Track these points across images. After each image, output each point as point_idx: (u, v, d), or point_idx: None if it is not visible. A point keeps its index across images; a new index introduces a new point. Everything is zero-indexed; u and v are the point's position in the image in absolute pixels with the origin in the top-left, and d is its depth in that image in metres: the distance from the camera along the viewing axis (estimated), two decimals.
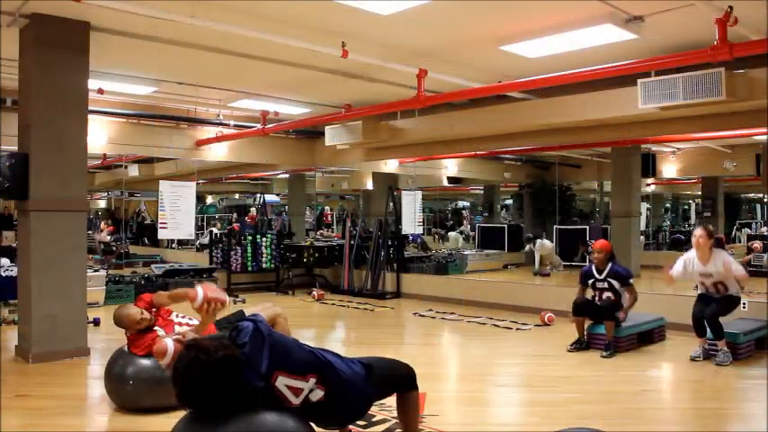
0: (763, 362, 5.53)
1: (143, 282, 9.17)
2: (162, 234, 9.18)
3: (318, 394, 2.64)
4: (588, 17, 5.19)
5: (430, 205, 17.59)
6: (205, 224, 15.81)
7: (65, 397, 4.57)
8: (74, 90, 5.68)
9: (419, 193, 11.04)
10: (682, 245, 15.25)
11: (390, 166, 11.98)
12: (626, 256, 11.40)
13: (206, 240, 13.06)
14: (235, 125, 9.60)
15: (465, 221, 18.25)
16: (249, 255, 10.42)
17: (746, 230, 15.15)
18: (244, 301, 9.12)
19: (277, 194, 16.85)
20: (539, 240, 12.63)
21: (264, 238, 10.63)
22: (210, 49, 6.10)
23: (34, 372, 5.22)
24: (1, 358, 5.63)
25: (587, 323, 6.05)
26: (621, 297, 5.96)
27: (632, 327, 6.10)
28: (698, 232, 5.59)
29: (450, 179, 14.47)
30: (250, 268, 10.45)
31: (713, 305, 5.51)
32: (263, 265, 10.55)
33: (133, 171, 12.26)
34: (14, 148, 5.82)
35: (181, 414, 2.52)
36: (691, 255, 5.66)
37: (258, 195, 14.50)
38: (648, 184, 14.36)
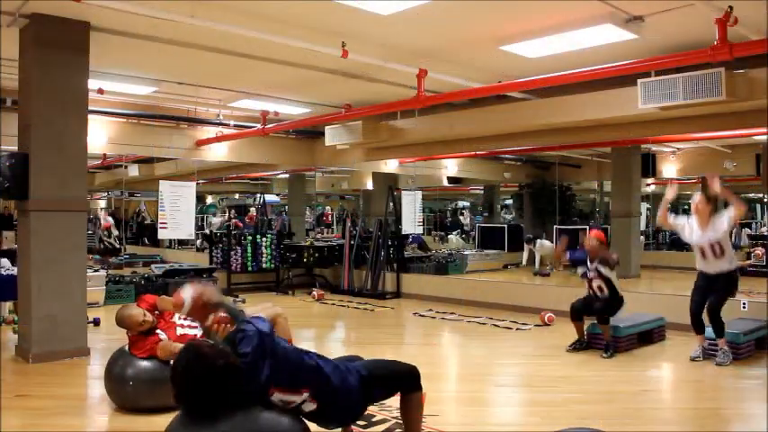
0: (763, 362, 5.53)
1: (143, 282, 9.17)
2: (162, 234, 9.17)
3: (311, 407, 2.68)
4: (588, 17, 5.19)
5: (430, 205, 17.57)
6: (205, 222, 15.80)
7: (65, 397, 4.57)
8: (74, 90, 5.68)
9: (419, 193, 11.04)
10: (682, 245, 15.24)
11: (390, 166, 11.98)
12: (626, 256, 11.40)
13: (209, 230, 13.23)
14: (235, 125, 9.60)
15: (464, 220, 18.21)
16: (249, 255, 10.42)
17: (746, 230, 15.14)
18: (244, 301, 9.11)
19: (277, 194, 16.84)
20: (538, 241, 12.63)
21: (264, 238, 10.63)
22: (210, 49, 6.10)
23: (34, 372, 5.22)
24: (1, 358, 5.63)
25: (587, 323, 6.05)
26: (613, 283, 5.90)
27: (632, 327, 6.10)
28: (697, 197, 5.53)
29: (450, 179, 14.47)
30: (250, 268, 10.45)
31: (711, 298, 5.45)
32: (263, 265, 10.56)
33: (133, 171, 12.25)
34: (14, 148, 5.82)
35: None
36: (692, 221, 5.60)
37: (258, 195, 14.49)
38: (648, 184, 14.35)
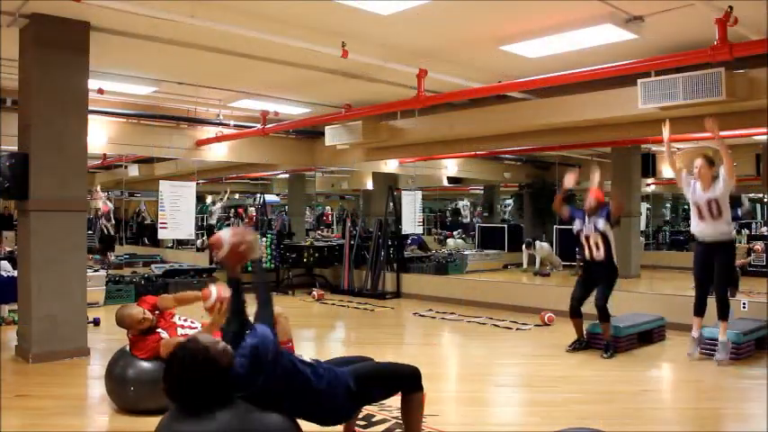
0: (763, 362, 5.53)
1: (143, 282, 9.17)
2: (162, 234, 9.19)
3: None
4: (588, 17, 5.19)
5: (430, 205, 17.57)
6: (205, 222, 15.80)
7: (65, 397, 4.57)
8: (74, 90, 5.68)
9: (419, 193, 11.05)
10: (682, 245, 15.27)
11: (390, 166, 11.97)
12: (626, 256, 11.40)
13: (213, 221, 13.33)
14: (235, 125, 9.60)
15: (464, 212, 18.14)
16: None
17: (746, 231, 15.13)
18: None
19: (277, 194, 16.84)
20: (537, 242, 12.63)
21: (264, 238, 10.62)
22: (210, 49, 6.10)
23: (34, 372, 5.22)
24: (1, 358, 5.62)
25: (587, 324, 6.05)
26: (610, 242, 5.85)
27: (632, 327, 6.10)
28: (698, 162, 5.52)
29: (450, 179, 14.46)
30: (250, 268, 10.42)
31: (717, 268, 5.42)
32: (263, 265, 10.54)
33: (133, 171, 12.25)
34: (14, 148, 5.82)
35: None
36: (695, 182, 5.59)
37: (258, 195, 14.48)
38: (648, 184, 14.34)
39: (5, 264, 7.47)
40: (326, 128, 9.30)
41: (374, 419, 3.92)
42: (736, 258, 5.63)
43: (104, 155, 10.97)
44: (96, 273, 8.58)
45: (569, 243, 12.58)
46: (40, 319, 5.44)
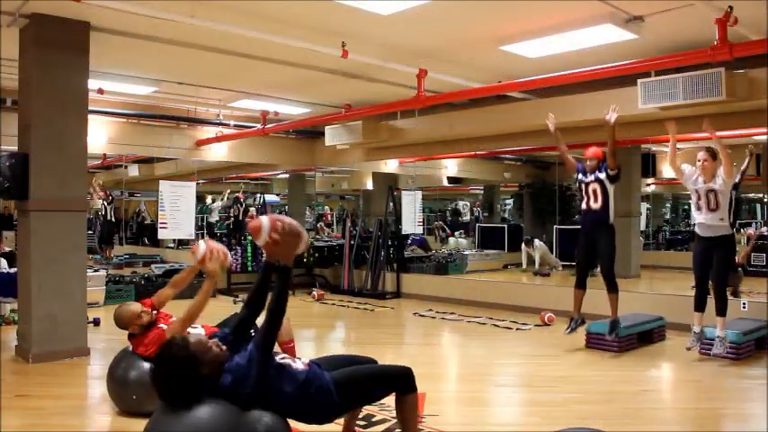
0: (763, 362, 5.53)
1: (143, 282, 9.17)
2: (162, 234, 9.19)
3: None
4: (588, 17, 5.19)
5: (430, 205, 17.56)
6: (205, 222, 15.79)
7: (65, 397, 4.57)
8: (74, 90, 5.68)
9: (419, 193, 11.04)
10: (681, 244, 15.25)
11: (390, 166, 11.98)
12: (626, 256, 11.40)
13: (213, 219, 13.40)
14: (235, 125, 9.61)
15: (464, 211, 18.12)
16: (249, 255, 10.42)
17: (745, 230, 15.12)
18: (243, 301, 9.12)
19: (277, 194, 16.84)
20: (536, 240, 12.64)
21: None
22: (210, 49, 6.10)
23: (34, 372, 5.22)
24: (1, 358, 5.63)
25: (587, 323, 6.04)
26: (608, 194, 5.86)
27: (632, 327, 6.10)
28: (701, 155, 5.52)
29: (450, 179, 14.46)
30: (250, 268, 10.45)
31: (715, 262, 5.44)
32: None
33: (133, 171, 12.25)
34: (14, 148, 5.82)
35: None
36: (697, 173, 5.59)
37: (258, 195, 14.49)
38: (648, 184, 14.34)
39: (2, 261, 7.47)
40: (326, 128, 9.30)
41: (374, 419, 3.92)
42: (735, 254, 5.61)
43: (104, 155, 10.97)
44: (96, 273, 8.58)
45: (569, 243, 12.62)
46: (40, 319, 5.44)
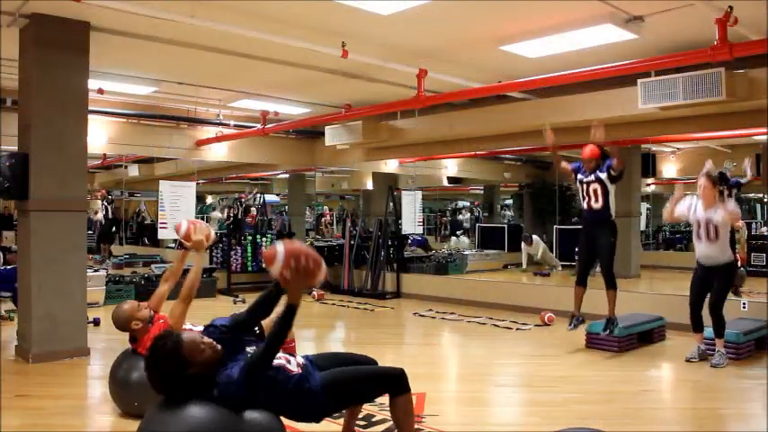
0: (763, 362, 5.53)
1: (143, 282, 9.17)
2: (162, 234, 9.19)
3: None
4: (588, 17, 5.19)
5: (430, 205, 17.56)
6: (205, 221, 15.78)
7: (65, 397, 4.57)
8: (74, 90, 5.68)
9: (419, 193, 11.05)
10: (679, 243, 15.24)
11: (390, 166, 11.98)
12: (626, 256, 11.40)
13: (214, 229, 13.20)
14: (235, 125, 9.61)
15: (464, 217, 18.14)
16: (249, 255, 10.42)
17: (744, 229, 15.12)
18: (243, 301, 9.13)
19: (277, 194, 16.85)
20: (534, 237, 12.66)
21: (264, 238, 10.63)
22: (210, 49, 6.10)
23: (34, 372, 5.22)
24: (1, 358, 5.63)
25: (587, 323, 6.04)
26: (608, 193, 5.81)
27: (632, 327, 6.10)
28: (702, 182, 5.45)
29: (450, 179, 14.47)
30: (250, 268, 10.46)
31: (712, 293, 5.41)
32: (263, 265, 10.52)
33: (133, 171, 12.25)
34: (14, 148, 5.82)
35: None
36: (695, 200, 5.56)
37: (258, 195, 14.50)
38: (648, 184, 14.34)
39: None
40: (326, 128, 9.30)
41: (374, 419, 3.92)
42: (735, 277, 5.58)
43: (104, 155, 10.97)
44: (96, 273, 8.58)
45: (569, 243, 12.63)
46: (40, 319, 5.43)
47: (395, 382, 2.96)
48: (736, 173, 12.11)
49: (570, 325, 6.01)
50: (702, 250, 5.49)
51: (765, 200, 16.37)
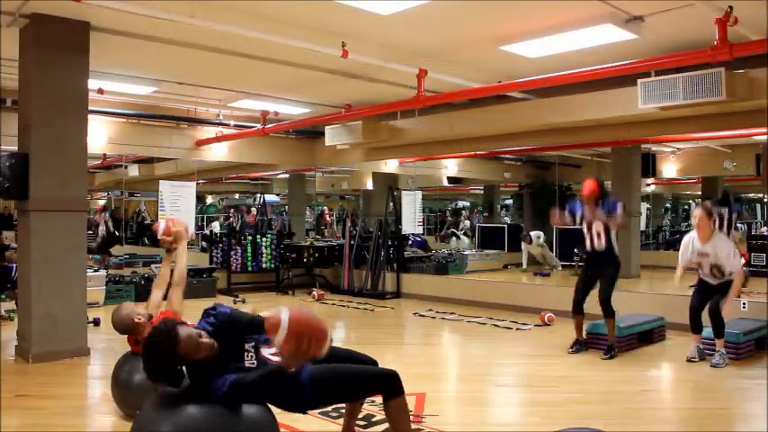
0: (763, 362, 5.53)
1: (143, 282, 9.16)
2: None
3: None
4: (588, 17, 5.19)
5: (430, 205, 17.56)
6: (205, 223, 15.81)
7: (65, 397, 4.57)
8: (74, 90, 5.68)
9: (419, 193, 11.04)
10: (678, 243, 15.20)
11: (390, 166, 11.98)
12: (626, 256, 11.39)
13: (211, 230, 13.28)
14: (235, 125, 9.60)
15: (463, 219, 18.14)
16: (249, 255, 10.42)
17: (744, 228, 15.13)
18: (244, 301, 9.13)
19: (277, 194, 16.85)
20: (533, 233, 12.65)
21: (264, 238, 10.63)
22: (210, 49, 6.10)
23: (34, 372, 5.22)
24: (1, 358, 5.63)
25: (587, 323, 6.04)
26: (611, 234, 5.79)
27: (632, 327, 6.10)
28: (697, 213, 5.49)
29: (450, 179, 14.46)
30: (250, 268, 10.45)
31: (715, 298, 5.43)
32: (263, 265, 10.56)
33: (133, 171, 12.25)
34: (14, 148, 5.82)
35: None
36: (692, 234, 5.57)
37: (258, 195, 14.49)
38: (648, 184, 14.34)
39: None
40: (326, 128, 9.30)
41: (374, 419, 3.92)
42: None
43: (104, 155, 10.97)
44: (96, 273, 8.58)
45: (569, 243, 12.63)
46: (40, 319, 5.44)
47: (387, 384, 2.91)
48: (736, 172, 12.17)
49: (572, 348, 5.96)
50: (707, 279, 5.57)
51: (765, 200, 16.36)
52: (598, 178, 6.08)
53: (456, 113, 8.32)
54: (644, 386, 5.08)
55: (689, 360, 5.54)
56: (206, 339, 2.64)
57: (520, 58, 6.26)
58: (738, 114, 6.57)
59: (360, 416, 3.65)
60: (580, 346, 5.96)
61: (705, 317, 5.55)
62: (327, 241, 11.85)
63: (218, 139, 9.57)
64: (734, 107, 6.18)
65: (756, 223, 16.37)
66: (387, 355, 6.04)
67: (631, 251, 11.47)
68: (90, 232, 10.91)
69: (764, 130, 7.49)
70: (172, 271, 4.04)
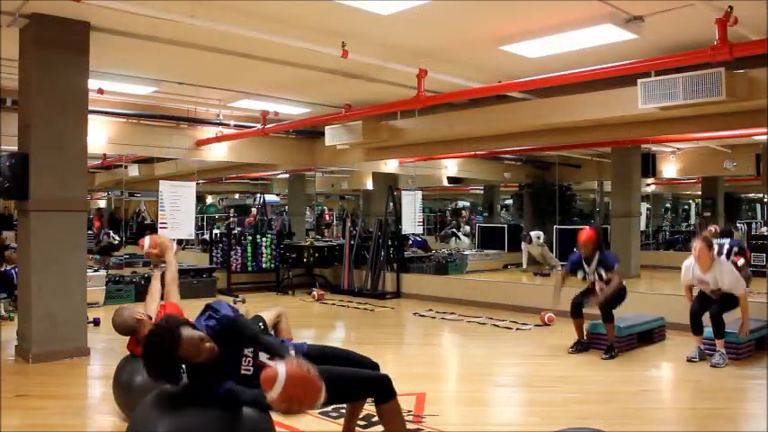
0: (763, 362, 5.53)
1: (143, 282, 9.15)
2: (162, 234, 9.16)
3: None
4: (588, 17, 5.19)
5: (430, 205, 17.56)
6: (205, 225, 15.81)
7: (65, 397, 4.57)
8: (74, 90, 5.68)
9: (419, 193, 11.05)
10: (678, 244, 15.24)
11: (390, 166, 11.98)
12: (626, 256, 11.39)
13: (208, 236, 13.25)
14: (235, 125, 9.60)
15: (462, 222, 18.16)
16: (249, 255, 10.42)
17: (744, 228, 15.15)
18: (243, 301, 9.12)
19: (277, 194, 16.85)
20: (533, 233, 12.65)
21: (264, 238, 10.64)
22: (210, 49, 6.10)
23: (34, 372, 5.22)
24: (1, 358, 5.63)
25: (587, 323, 6.05)
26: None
27: (632, 327, 6.10)
28: (697, 245, 5.47)
29: (450, 179, 14.47)
30: (250, 268, 10.46)
31: (714, 307, 5.45)
32: (263, 265, 10.56)
33: (133, 171, 12.25)
34: (14, 148, 5.82)
35: None
36: (692, 261, 5.60)
37: (258, 195, 14.49)
38: (648, 184, 14.34)
39: None
40: (326, 128, 9.30)
41: (374, 419, 3.91)
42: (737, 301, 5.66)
43: (104, 155, 10.97)
44: (96, 273, 8.58)
45: (569, 243, 12.63)
46: (40, 319, 5.43)
47: (378, 388, 2.90)
48: (736, 172, 12.17)
49: (572, 348, 5.97)
50: (708, 293, 5.59)
51: (765, 200, 16.36)
52: (596, 228, 6.14)
53: (456, 113, 8.32)
54: (644, 386, 5.09)
55: (689, 360, 5.54)
56: (207, 344, 2.63)
57: (520, 58, 6.26)
58: (738, 114, 6.57)
59: (360, 416, 3.65)
60: (580, 346, 5.97)
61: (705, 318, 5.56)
62: (327, 241, 11.85)
63: (218, 139, 9.57)
64: (734, 107, 6.17)
65: (756, 223, 16.37)
66: (387, 355, 6.04)
67: (631, 251, 11.47)
68: (90, 232, 10.93)
69: (764, 130, 7.49)
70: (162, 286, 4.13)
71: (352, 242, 10.58)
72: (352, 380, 2.93)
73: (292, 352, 2.80)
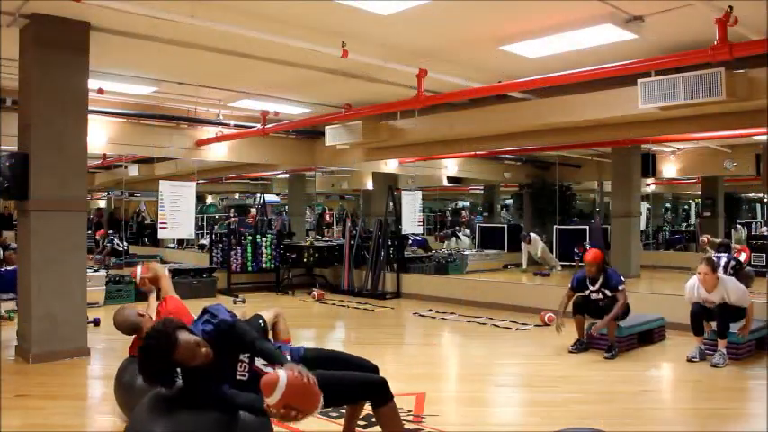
0: (763, 362, 5.53)
1: None
2: (162, 234, 9.19)
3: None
4: (588, 17, 5.19)
5: (430, 205, 17.56)
6: (205, 225, 15.81)
7: (65, 397, 4.57)
8: (74, 90, 5.68)
9: (419, 193, 11.05)
10: (678, 244, 15.24)
11: (390, 166, 11.98)
12: (626, 256, 11.41)
13: (206, 241, 13.21)
14: (235, 125, 9.61)
15: (463, 222, 18.15)
16: (249, 255, 10.42)
17: (744, 229, 15.14)
18: (243, 301, 9.14)
19: (277, 194, 16.85)
20: (533, 234, 12.66)
21: (264, 238, 10.64)
22: (210, 49, 6.10)
23: (34, 372, 5.22)
24: (1, 358, 5.63)
25: (587, 323, 6.05)
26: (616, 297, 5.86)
27: (632, 327, 6.10)
28: (702, 269, 5.47)
29: (450, 179, 14.47)
30: (250, 268, 10.46)
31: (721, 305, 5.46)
32: (263, 265, 10.56)
33: (133, 171, 12.26)
34: (14, 148, 5.82)
35: None
36: (696, 281, 5.59)
37: (258, 195, 14.49)
38: (648, 184, 14.35)
39: None
40: (326, 128, 9.30)
41: (374, 420, 3.91)
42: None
43: (104, 155, 10.97)
44: (96, 273, 8.58)
45: (569, 243, 12.65)
46: (39, 319, 5.43)
47: (375, 391, 2.89)
48: (735, 172, 12.17)
49: (573, 347, 5.98)
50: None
51: (765, 200, 16.35)
52: (601, 249, 6.21)
53: (456, 113, 8.32)
54: (644, 386, 5.09)
55: (689, 360, 5.55)
56: (203, 349, 2.62)
57: (520, 58, 6.26)
58: (738, 114, 6.57)
59: (360, 416, 3.65)
60: (580, 345, 5.97)
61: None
62: (327, 241, 11.85)
63: (218, 139, 9.58)
64: (734, 107, 6.18)
65: (756, 223, 16.37)
66: (387, 355, 6.05)
67: (631, 251, 11.48)
68: (90, 232, 10.93)
69: (764, 130, 7.49)
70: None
71: (352, 242, 10.58)
72: (349, 384, 2.91)
73: (288, 358, 2.77)
